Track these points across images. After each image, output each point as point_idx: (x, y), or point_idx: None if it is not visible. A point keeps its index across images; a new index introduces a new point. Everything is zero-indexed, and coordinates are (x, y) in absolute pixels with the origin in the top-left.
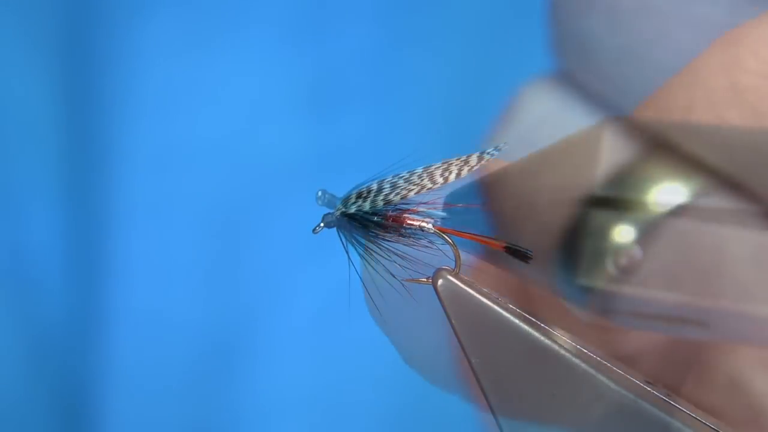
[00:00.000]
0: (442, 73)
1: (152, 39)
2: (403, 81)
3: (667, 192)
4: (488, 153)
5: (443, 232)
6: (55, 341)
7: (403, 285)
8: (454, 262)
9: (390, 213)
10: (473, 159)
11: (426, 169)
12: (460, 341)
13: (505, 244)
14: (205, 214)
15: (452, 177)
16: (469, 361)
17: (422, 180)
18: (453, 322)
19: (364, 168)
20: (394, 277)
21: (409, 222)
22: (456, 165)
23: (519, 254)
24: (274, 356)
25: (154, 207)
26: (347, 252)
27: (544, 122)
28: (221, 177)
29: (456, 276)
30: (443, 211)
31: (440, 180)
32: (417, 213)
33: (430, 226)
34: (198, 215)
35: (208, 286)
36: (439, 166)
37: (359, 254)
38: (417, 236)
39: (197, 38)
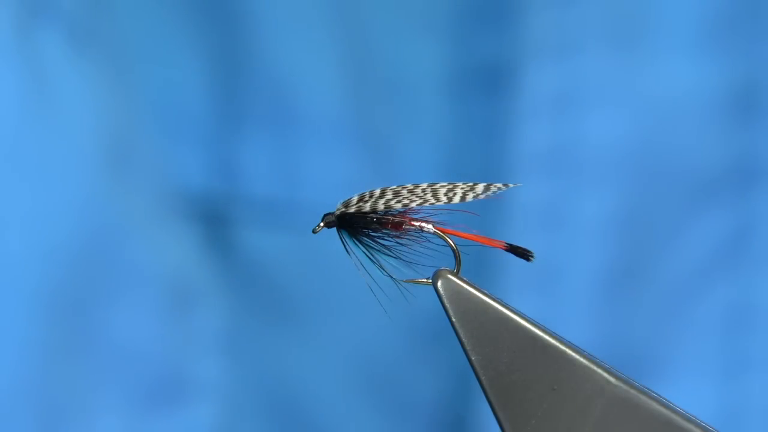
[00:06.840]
0: None
1: None
2: None
3: None
4: (496, 186)
5: (443, 233)
6: None
7: (402, 285)
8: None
9: (390, 214)
10: (479, 188)
11: (431, 185)
12: (460, 340)
13: (506, 244)
14: None
15: (456, 199)
16: (469, 359)
17: (425, 194)
18: (453, 320)
19: None
20: (392, 278)
21: (409, 222)
22: (462, 188)
23: (521, 253)
24: None
25: None
26: (348, 251)
27: None
28: None
29: (456, 276)
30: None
31: (444, 199)
32: (417, 213)
33: (430, 226)
34: None
35: None
36: (444, 185)
37: (365, 254)
38: (417, 236)
39: None
